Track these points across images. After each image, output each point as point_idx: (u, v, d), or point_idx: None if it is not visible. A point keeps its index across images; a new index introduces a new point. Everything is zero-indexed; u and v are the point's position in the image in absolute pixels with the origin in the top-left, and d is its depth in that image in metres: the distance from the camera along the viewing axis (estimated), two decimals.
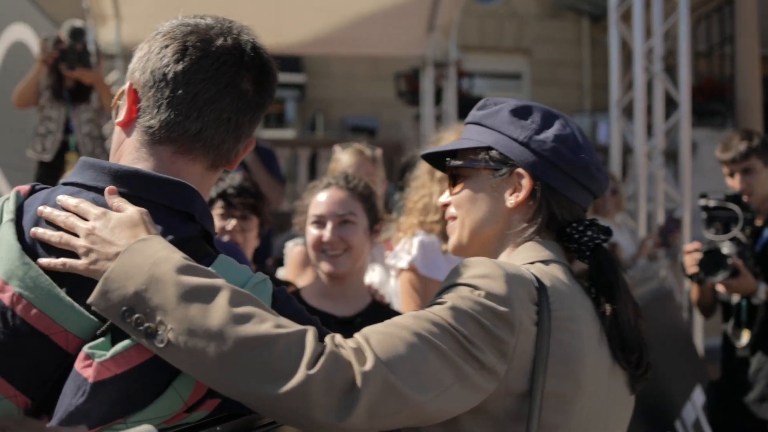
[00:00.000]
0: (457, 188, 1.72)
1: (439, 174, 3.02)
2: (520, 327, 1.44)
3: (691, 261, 3.61)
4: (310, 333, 1.30)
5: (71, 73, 5.19)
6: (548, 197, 1.65)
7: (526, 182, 1.64)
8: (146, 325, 1.24)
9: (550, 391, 1.47)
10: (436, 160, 1.82)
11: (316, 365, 1.25)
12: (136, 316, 1.25)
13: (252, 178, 3.68)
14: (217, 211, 3.19)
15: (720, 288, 3.69)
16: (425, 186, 3.07)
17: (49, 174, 4.83)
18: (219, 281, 1.30)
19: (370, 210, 2.70)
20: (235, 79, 1.49)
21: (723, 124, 13.35)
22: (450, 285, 1.49)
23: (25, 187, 1.52)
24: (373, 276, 3.50)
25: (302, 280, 3.52)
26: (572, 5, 17.90)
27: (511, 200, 1.65)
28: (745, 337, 3.70)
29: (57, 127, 5.23)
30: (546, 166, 1.64)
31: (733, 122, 13.33)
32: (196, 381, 1.30)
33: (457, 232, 1.73)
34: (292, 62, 14.89)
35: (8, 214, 1.43)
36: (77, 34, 5.25)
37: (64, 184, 1.50)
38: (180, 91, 1.45)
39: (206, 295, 1.26)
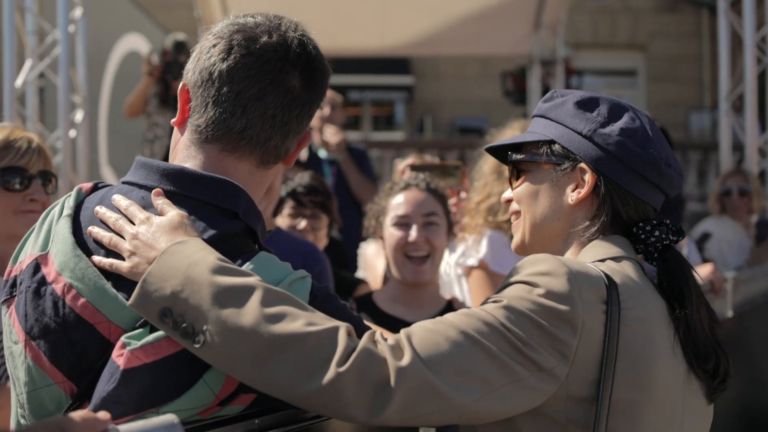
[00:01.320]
0: (519, 182, 1.69)
1: (508, 172, 2.98)
2: (583, 327, 1.39)
3: None
4: (342, 330, 1.30)
5: (177, 83, 5.44)
6: (612, 194, 1.58)
7: (588, 178, 1.58)
8: (183, 325, 1.27)
9: (619, 398, 1.41)
10: (503, 155, 1.77)
11: (347, 362, 1.25)
12: (174, 316, 1.28)
13: (321, 177, 3.74)
14: (287, 210, 3.25)
15: None
16: (489, 185, 3.04)
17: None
18: (253, 281, 1.31)
19: (447, 213, 2.69)
20: (279, 75, 1.50)
21: None
22: (508, 283, 1.45)
23: (87, 185, 1.59)
24: None
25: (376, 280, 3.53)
26: None
27: (572, 196, 1.59)
28: None
29: (164, 133, 5.49)
30: (610, 161, 1.57)
31: None
32: (227, 375, 1.32)
33: (520, 230, 1.69)
34: (400, 64, 15.04)
35: (68, 209, 1.50)
36: (180, 46, 5.54)
37: (123, 182, 1.55)
38: (225, 89, 1.48)
39: (240, 295, 1.28)
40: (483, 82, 15.93)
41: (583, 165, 1.59)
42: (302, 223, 3.24)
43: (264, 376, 1.26)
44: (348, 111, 17.90)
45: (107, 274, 1.40)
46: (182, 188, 1.47)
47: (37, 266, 1.44)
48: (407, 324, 2.50)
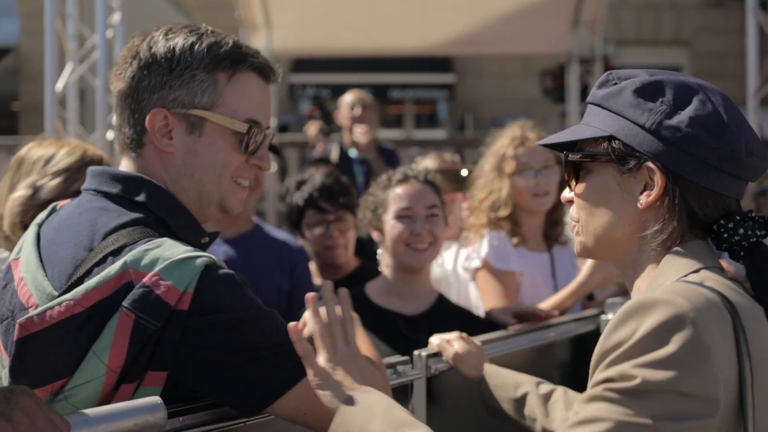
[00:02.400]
0: (579, 185, 1.51)
1: (508, 169, 3.02)
2: (710, 378, 1.25)
3: None
4: None
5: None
6: (686, 194, 1.40)
7: (657, 178, 1.40)
8: None
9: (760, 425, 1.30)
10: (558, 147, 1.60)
11: None
12: None
13: (335, 171, 3.62)
14: (309, 219, 3.21)
15: None
16: (490, 183, 3.09)
17: None
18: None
19: (443, 203, 2.73)
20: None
21: None
22: (608, 380, 1.28)
23: (63, 202, 1.75)
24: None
25: None
26: None
27: (642, 199, 1.42)
28: None
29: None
30: (682, 158, 1.39)
31: None
32: (113, 342, 1.38)
33: (582, 234, 1.53)
34: (442, 63, 15.05)
35: (38, 219, 1.71)
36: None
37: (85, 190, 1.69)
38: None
39: None
40: (524, 80, 15.87)
41: (650, 164, 1.41)
42: (332, 235, 3.18)
43: None
44: (391, 109, 18.04)
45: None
46: (100, 185, 1.63)
47: (9, 267, 1.62)
48: (404, 317, 2.60)
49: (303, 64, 14.87)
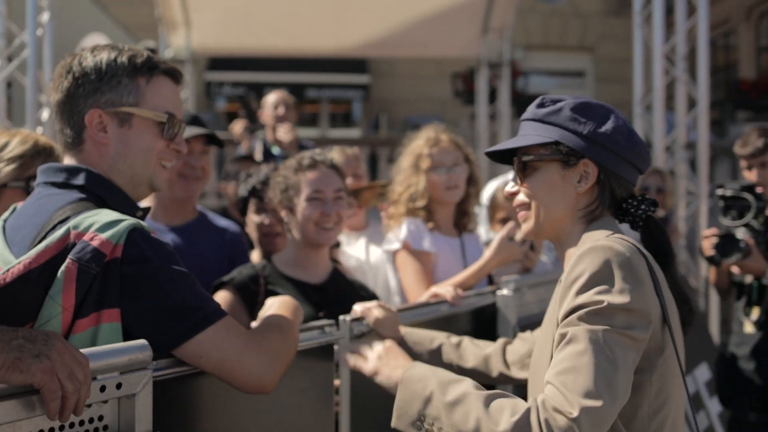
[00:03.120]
0: (530, 180, 1.92)
1: (423, 166, 3.39)
2: (646, 296, 1.71)
3: (708, 245, 3.90)
4: (533, 414, 1.61)
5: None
6: (610, 180, 1.89)
7: (592, 170, 1.87)
8: (426, 429, 1.78)
9: (670, 334, 1.79)
10: (496, 155, 2.02)
11: None
12: (420, 425, 1.79)
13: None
14: (252, 208, 3.41)
15: (734, 269, 3.96)
16: (408, 178, 3.44)
17: None
18: (467, 389, 1.75)
19: (345, 185, 2.98)
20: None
21: None
22: (581, 306, 1.68)
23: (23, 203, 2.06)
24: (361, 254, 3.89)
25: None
26: None
27: (580, 187, 1.88)
28: (755, 314, 3.98)
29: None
30: (608, 155, 1.87)
31: None
32: (63, 287, 1.69)
33: (532, 219, 1.94)
34: (357, 64, 15.29)
35: (3, 217, 1.98)
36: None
37: (37, 185, 1.99)
38: None
39: (461, 402, 1.72)
40: (436, 82, 16.25)
41: (586, 160, 1.87)
42: (270, 223, 3.35)
43: None
44: (307, 108, 18.16)
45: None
46: (47, 177, 1.95)
47: None
48: (311, 286, 2.88)
49: (220, 62, 14.90)
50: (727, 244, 3.85)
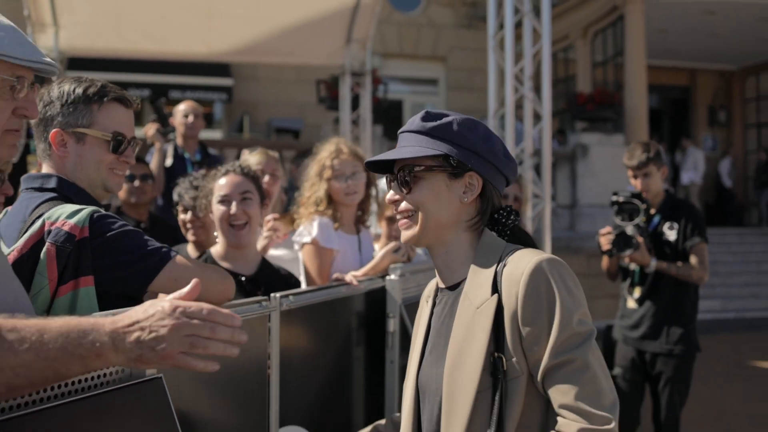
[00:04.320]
0: (416, 189, 1.94)
1: (326, 175, 3.90)
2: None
3: (605, 241, 4.75)
4: None
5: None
6: (492, 192, 1.97)
7: (476, 182, 1.93)
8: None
9: None
10: (375, 165, 2.03)
11: None
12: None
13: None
14: (180, 209, 3.87)
15: (625, 259, 4.86)
16: (315, 185, 3.95)
17: (15, 172, 5.58)
18: None
19: (260, 189, 3.42)
20: None
21: (614, 129, 14.56)
22: (569, 334, 1.76)
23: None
24: (279, 252, 4.37)
25: None
26: (485, 16, 18.82)
27: (465, 197, 1.93)
28: (637, 293, 4.90)
29: (21, 132, 5.96)
30: (490, 169, 1.94)
31: (623, 128, 14.58)
32: (47, 264, 2.17)
33: (417, 227, 1.96)
34: (221, 67, 15.46)
35: None
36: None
37: (21, 191, 2.45)
38: None
39: None
40: (298, 86, 16.68)
41: (472, 173, 1.92)
42: (191, 217, 3.89)
43: None
44: (168, 109, 18.04)
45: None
46: (29, 184, 2.42)
47: None
48: (245, 277, 3.37)
49: (81, 62, 14.68)
50: (621, 240, 4.71)
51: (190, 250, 3.94)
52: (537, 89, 6.85)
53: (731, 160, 20.01)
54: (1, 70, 1.73)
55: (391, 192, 2.00)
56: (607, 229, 4.81)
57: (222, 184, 3.34)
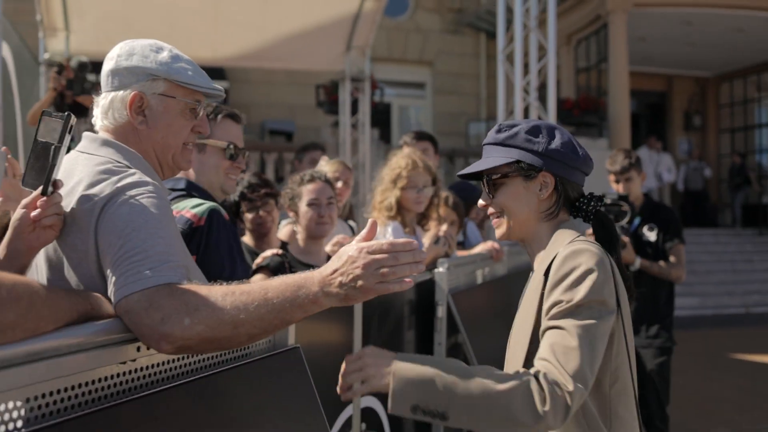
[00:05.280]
0: (499, 193, 2.18)
1: (400, 184, 4.24)
2: (612, 291, 2.01)
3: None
4: (532, 382, 1.84)
5: (77, 98, 6.30)
6: (564, 185, 2.15)
7: (549, 180, 2.13)
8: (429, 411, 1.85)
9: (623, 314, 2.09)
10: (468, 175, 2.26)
11: (546, 404, 1.82)
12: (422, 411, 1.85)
13: (261, 174, 4.61)
14: (244, 208, 4.21)
15: None
16: (388, 191, 4.31)
17: None
18: (437, 371, 1.86)
19: (336, 196, 3.95)
20: None
21: (598, 134, 15.15)
22: (570, 302, 1.94)
23: None
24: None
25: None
26: (471, 22, 19.21)
27: (541, 194, 2.14)
28: None
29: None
30: (560, 166, 2.13)
31: (607, 132, 15.16)
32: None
33: (504, 225, 2.19)
34: (216, 70, 15.72)
35: None
36: (83, 67, 6.31)
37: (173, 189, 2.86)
38: None
39: (462, 383, 1.85)
40: (290, 89, 16.94)
41: (544, 172, 2.12)
42: (260, 215, 4.14)
43: (497, 429, 1.88)
44: None
45: None
46: (169, 186, 2.78)
47: None
48: (315, 267, 3.70)
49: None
50: None
51: (248, 240, 4.34)
52: (541, 98, 7.37)
53: (690, 167, 20.43)
54: (186, 96, 2.05)
55: (482, 198, 2.25)
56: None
57: (310, 189, 3.83)
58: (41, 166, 1.89)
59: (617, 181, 5.28)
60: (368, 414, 3.16)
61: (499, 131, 2.19)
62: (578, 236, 2.11)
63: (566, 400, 1.84)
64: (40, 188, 1.87)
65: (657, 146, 18.45)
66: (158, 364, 1.75)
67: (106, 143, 2.00)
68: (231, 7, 10.02)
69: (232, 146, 2.93)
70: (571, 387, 1.84)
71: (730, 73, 21.30)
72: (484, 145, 2.26)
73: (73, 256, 1.83)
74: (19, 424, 1.36)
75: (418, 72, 19.43)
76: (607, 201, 5.09)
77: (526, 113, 7.40)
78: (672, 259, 5.18)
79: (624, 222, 5.05)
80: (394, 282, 1.65)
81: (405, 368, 1.86)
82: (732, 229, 18.92)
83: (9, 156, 2.31)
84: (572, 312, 1.95)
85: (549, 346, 1.93)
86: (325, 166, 4.98)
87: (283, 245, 4.07)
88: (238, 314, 1.60)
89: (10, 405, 1.34)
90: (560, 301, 1.96)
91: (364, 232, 1.77)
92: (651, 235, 5.23)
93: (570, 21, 16.97)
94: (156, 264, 1.65)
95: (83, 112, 6.51)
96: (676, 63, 20.34)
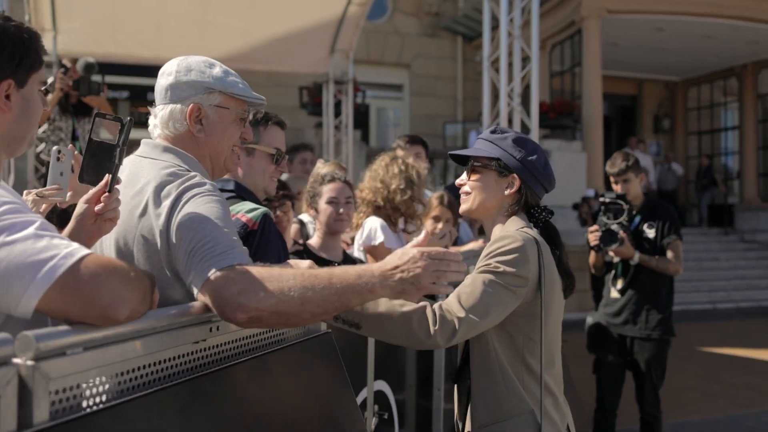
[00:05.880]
0: (474, 177, 2.57)
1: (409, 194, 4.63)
2: (528, 270, 2.39)
3: (593, 237, 5.36)
4: (429, 309, 2.25)
5: (83, 99, 6.45)
6: (526, 191, 2.54)
7: (516, 182, 2.52)
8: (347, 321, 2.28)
9: (545, 298, 2.44)
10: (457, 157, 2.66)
11: (437, 325, 2.24)
12: (342, 320, 2.29)
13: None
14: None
15: (611, 253, 5.43)
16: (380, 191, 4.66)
17: None
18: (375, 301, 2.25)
19: (354, 196, 4.22)
20: None
21: (572, 136, 15.55)
22: (493, 251, 2.38)
23: None
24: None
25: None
26: (448, 26, 19.54)
27: (506, 191, 2.54)
28: (620, 284, 5.51)
29: (66, 136, 6.38)
30: (529, 176, 2.52)
31: (581, 135, 15.58)
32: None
33: (469, 203, 2.59)
34: None
35: None
36: (90, 68, 6.42)
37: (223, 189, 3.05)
38: None
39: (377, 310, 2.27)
40: (269, 90, 16.95)
41: (514, 175, 2.51)
42: (276, 215, 4.23)
43: (398, 341, 2.33)
44: (146, 110, 18.11)
45: None
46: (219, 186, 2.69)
47: None
48: (332, 262, 4.08)
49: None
50: (607, 236, 5.31)
51: None
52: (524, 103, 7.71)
53: (664, 167, 20.90)
54: (238, 106, 2.30)
55: (462, 177, 2.64)
56: (595, 227, 5.44)
57: (332, 188, 4.09)
58: (97, 164, 2.03)
59: (616, 182, 5.56)
60: (379, 396, 3.42)
61: (493, 132, 2.61)
62: (522, 227, 2.49)
63: (455, 324, 2.24)
64: (101, 184, 2.02)
65: (640, 147, 18.89)
66: (223, 344, 2.00)
67: (167, 150, 2.22)
68: (218, 12, 10.17)
69: (278, 152, 3.16)
70: (462, 314, 2.24)
71: (698, 77, 21.90)
72: (478, 137, 2.66)
73: (143, 248, 2.07)
74: (111, 395, 1.56)
75: (396, 74, 19.72)
76: (607, 200, 5.41)
77: (510, 117, 7.72)
78: (669, 254, 5.43)
79: (622, 219, 5.34)
80: (442, 284, 1.92)
81: None
82: (699, 229, 19.44)
83: (75, 153, 2.52)
84: (486, 271, 2.35)
85: (458, 288, 2.32)
86: (323, 168, 5.18)
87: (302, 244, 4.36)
88: (305, 292, 1.81)
89: (103, 378, 1.55)
90: (482, 264, 2.37)
91: (420, 238, 2.12)
92: (650, 233, 5.48)
93: (545, 26, 17.24)
94: (227, 248, 1.88)
95: (87, 111, 6.66)
96: (646, 68, 20.86)
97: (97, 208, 2.02)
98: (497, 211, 2.58)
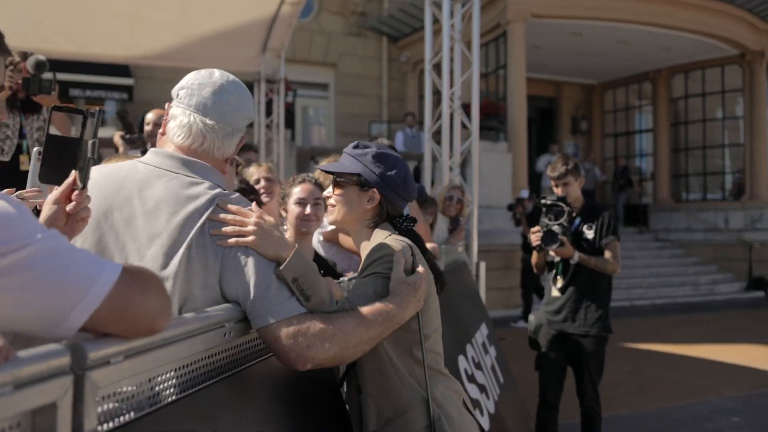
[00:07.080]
0: (337, 191, 2.67)
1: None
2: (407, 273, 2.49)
3: (535, 238, 5.55)
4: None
5: (34, 98, 6.21)
6: (387, 204, 2.66)
7: (376, 196, 2.63)
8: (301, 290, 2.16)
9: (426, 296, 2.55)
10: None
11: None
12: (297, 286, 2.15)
13: (246, 180, 4.83)
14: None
15: (552, 253, 5.64)
16: None
17: (7, 172, 5.85)
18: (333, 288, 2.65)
19: (322, 196, 4.16)
20: None
21: (498, 137, 15.89)
22: (372, 260, 2.48)
23: None
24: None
25: None
26: (374, 26, 19.69)
27: (367, 205, 2.64)
28: (560, 283, 5.72)
29: (13, 133, 6.12)
30: (388, 190, 2.63)
31: (506, 136, 15.92)
32: None
33: (335, 215, 2.70)
34: (120, 67, 15.60)
35: None
36: (41, 66, 6.17)
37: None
38: None
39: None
40: None
41: (374, 190, 2.61)
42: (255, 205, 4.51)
43: None
44: (72, 106, 17.64)
45: None
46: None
47: None
48: None
49: None
50: (548, 237, 5.52)
51: None
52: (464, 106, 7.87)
53: (585, 167, 21.52)
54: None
55: (328, 190, 2.72)
56: (537, 228, 5.65)
57: (301, 189, 4.13)
58: (59, 162, 1.91)
59: (557, 186, 5.78)
60: None
61: (356, 147, 2.69)
62: (389, 234, 2.62)
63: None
64: (68, 181, 1.91)
65: (553, 149, 19.38)
66: (243, 344, 2.12)
67: (186, 163, 2.20)
68: (148, 7, 10.03)
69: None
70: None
71: (614, 81, 22.66)
72: (343, 151, 2.74)
73: (193, 255, 2.02)
74: (144, 402, 1.65)
75: (322, 73, 19.72)
76: (548, 202, 5.64)
77: (451, 120, 7.87)
78: (607, 254, 5.66)
79: (563, 220, 5.57)
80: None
81: (303, 253, 2.20)
82: None
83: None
84: (369, 277, 2.45)
85: (348, 294, 2.46)
86: (256, 172, 5.16)
87: None
88: (361, 337, 2.11)
89: (137, 385, 1.62)
90: (367, 272, 2.46)
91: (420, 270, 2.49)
92: (589, 234, 5.71)
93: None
94: (289, 293, 2.05)
95: (36, 108, 6.42)
96: (565, 71, 21.46)
97: (68, 207, 1.93)
98: (361, 222, 2.69)
